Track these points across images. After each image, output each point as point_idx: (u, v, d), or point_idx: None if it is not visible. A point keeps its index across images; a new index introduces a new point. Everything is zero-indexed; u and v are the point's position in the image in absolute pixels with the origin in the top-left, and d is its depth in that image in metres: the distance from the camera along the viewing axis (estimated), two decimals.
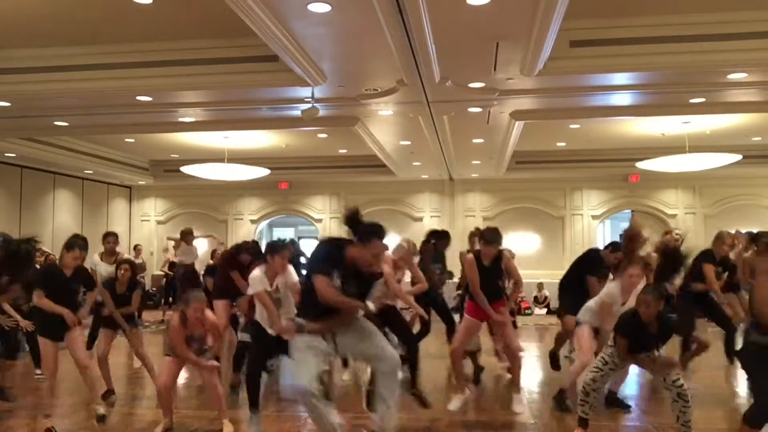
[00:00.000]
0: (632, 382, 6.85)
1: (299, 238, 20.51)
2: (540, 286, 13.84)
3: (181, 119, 8.68)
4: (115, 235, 7.52)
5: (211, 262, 10.12)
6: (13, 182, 11.89)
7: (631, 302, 4.71)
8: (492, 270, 5.15)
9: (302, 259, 5.92)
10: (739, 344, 5.15)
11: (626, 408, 5.35)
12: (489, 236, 5.12)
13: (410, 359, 5.26)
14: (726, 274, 6.52)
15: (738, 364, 4.56)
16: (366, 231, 3.80)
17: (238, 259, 6.22)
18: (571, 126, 10.18)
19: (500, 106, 7.86)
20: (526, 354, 7.17)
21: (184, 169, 11.18)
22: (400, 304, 5.79)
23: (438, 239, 7.10)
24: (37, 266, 8.42)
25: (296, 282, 4.88)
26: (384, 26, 5.03)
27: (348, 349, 4.08)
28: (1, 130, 9.23)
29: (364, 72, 6.56)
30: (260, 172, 11.40)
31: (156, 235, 15.53)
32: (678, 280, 6.03)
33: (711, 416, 5.18)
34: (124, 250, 14.45)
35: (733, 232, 6.94)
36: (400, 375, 4.16)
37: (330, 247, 3.88)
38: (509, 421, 5.09)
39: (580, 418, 4.44)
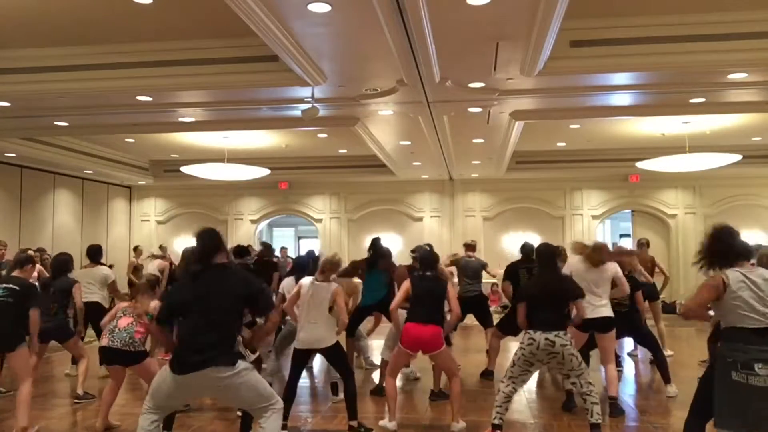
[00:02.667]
0: (632, 382, 6.86)
1: (299, 238, 20.58)
2: None
3: (181, 119, 8.68)
4: None
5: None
6: (13, 182, 11.88)
7: None
8: None
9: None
10: None
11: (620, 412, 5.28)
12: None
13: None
14: None
15: None
16: None
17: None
18: (571, 126, 10.18)
19: (500, 106, 7.85)
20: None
21: (184, 169, 11.18)
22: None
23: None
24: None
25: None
26: (384, 26, 5.02)
27: None
28: (1, 130, 9.24)
29: (364, 72, 6.56)
30: (260, 172, 11.40)
31: (156, 235, 15.51)
32: None
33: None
34: (124, 250, 14.53)
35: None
36: None
37: None
38: (509, 420, 5.08)
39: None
